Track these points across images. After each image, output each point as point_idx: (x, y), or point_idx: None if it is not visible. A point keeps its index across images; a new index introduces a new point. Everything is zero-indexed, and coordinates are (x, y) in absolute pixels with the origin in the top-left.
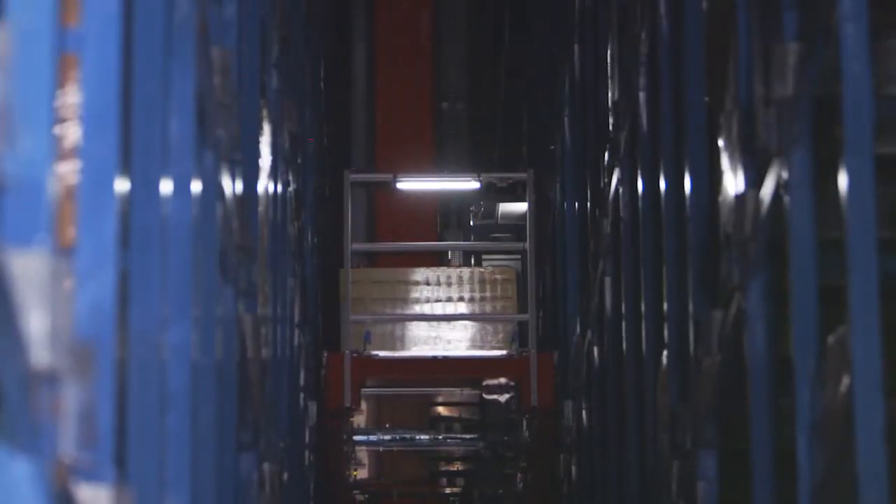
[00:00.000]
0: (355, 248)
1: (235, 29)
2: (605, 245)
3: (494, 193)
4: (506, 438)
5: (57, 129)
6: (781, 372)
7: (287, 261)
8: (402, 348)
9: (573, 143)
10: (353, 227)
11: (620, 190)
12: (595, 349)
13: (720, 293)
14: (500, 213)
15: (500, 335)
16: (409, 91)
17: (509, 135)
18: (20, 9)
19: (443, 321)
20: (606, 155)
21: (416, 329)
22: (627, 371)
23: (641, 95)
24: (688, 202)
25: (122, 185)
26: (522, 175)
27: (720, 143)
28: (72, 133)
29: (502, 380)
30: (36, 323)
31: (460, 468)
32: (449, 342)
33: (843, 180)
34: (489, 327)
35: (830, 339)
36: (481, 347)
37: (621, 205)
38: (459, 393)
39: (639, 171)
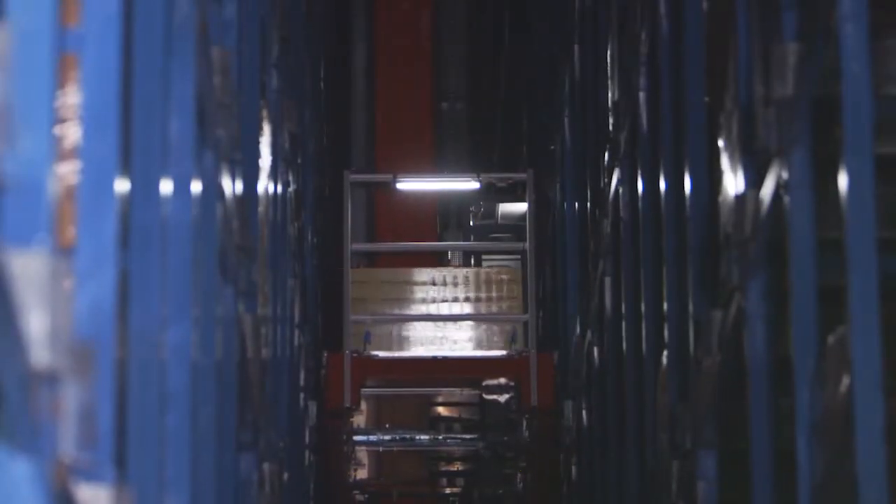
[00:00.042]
0: (355, 249)
1: (235, 29)
2: (605, 245)
3: (494, 193)
4: (506, 438)
5: (57, 129)
6: (781, 372)
7: (287, 261)
8: (409, 348)
9: (573, 144)
10: (353, 227)
11: (620, 190)
12: (595, 349)
13: (720, 293)
14: (499, 213)
15: (506, 335)
16: (409, 91)
17: (509, 135)
18: (20, 9)
19: (444, 321)
20: (606, 155)
21: (423, 329)
22: (627, 371)
23: (641, 95)
24: (688, 202)
25: (122, 185)
26: (522, 175)
27: (720, 143)
28: (72, 133)
29: (502, 380)
30: (36, 323)
31: (460, 468)
32: (455, 342)
33: (842, 180)
34: (495, 327)
35: (830, 339)
36: (487, 347)
37: (621, 205)
38: (459, 393)
39: (639, 172)
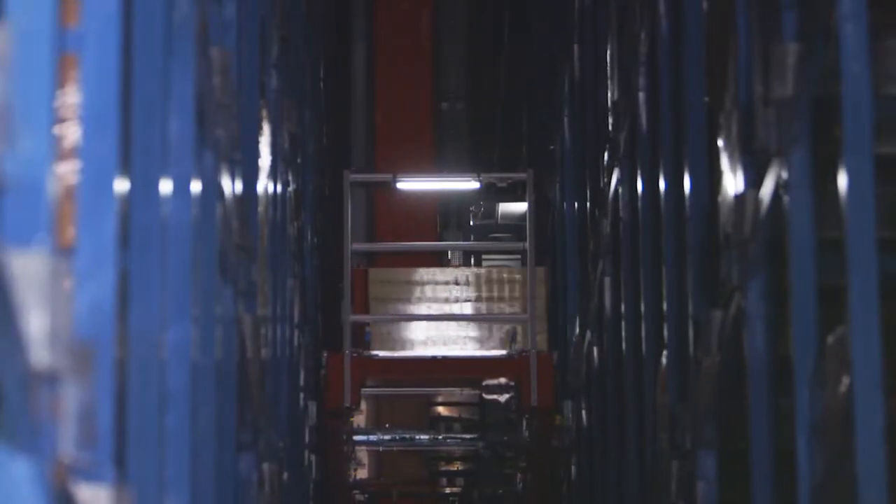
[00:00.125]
0: (355, 248)
1: (235, 29)
2: (605, 245)
3: (494, 193)
4: (505, 438)
5: (57, 129)
6: (781, 372)
7: (287, 261)
8: (428, 349)
9: (573, 144)
10: (353, 227)
11: (620, 190)
12: (595, 349)
13: (720, 293)
14: (499, 213)
15: (528, 336)
16: (409, 91)
17: (509, 135)
18: (20, 9)
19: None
20: (606, 155)
21: (446, 329)
22: (627, 371)
23: (641, 95)
24: (687, 202)
25: (121, 185)
26: (522, 175)
27: (720, 143)
28: (72, 133)
29: (502, 380)
30: (36, 323)
31: (460, 468)
32: (477, 341)
33: (842, 180)
34: (518, 327)
35: (830, 339)
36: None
37: (621, 205)
38: (459, 393)
39: (638, 172)
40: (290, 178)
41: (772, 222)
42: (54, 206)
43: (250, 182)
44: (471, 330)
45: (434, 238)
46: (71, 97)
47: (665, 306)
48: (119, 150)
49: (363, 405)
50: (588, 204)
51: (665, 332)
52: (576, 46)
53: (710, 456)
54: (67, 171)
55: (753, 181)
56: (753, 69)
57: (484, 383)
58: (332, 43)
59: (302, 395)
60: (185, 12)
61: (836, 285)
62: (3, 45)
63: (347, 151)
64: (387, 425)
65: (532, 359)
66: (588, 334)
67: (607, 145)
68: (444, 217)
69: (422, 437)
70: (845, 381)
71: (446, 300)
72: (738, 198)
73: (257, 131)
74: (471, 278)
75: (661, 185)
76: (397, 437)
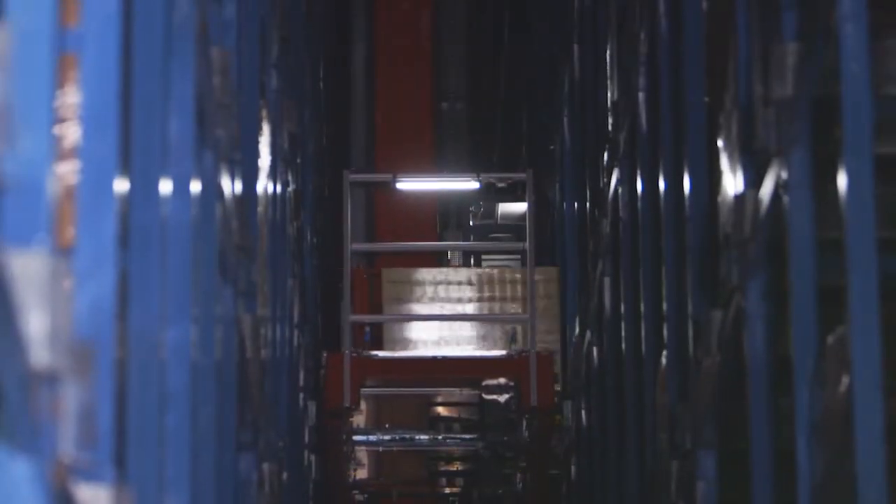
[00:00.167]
0: (355, 248)
1: (235, 29)
2: (605, 245)
3: (494, 193)
4: (505, 438)
5: (57, 129)
6: (781, 372)
7: (286, 261)
8: (441, 349)
9: (572, 144)
10: (353, 227)
11: (620, 190)
12: (594, 349)
13: (719, 293)
14: (499, 213)
15: (549, 335)
16: (409, 91)
17: (509, 135)
18: (20, 9)
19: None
20: (606, 155)
21: (460, 330)
22: (627, 371)
23: (641, 95)
24: (687, 202)
25: (121, 185)
26: (522, 175)
27: (719, 143)
28: (71, 133)
29: (502, 380)
30: (36, 323)
31: (460, 468)
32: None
33: (842, 180)
34: (541, 326)
35: (830, 339)
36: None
37: (620, 205)
38: (459, 393)
39: (638, 172)
40: (290, 178)
41: (772, 222)
42: (54, 206)
43: (250, 182)
44: (482, 330)
45: (434, 238)
46: (71, 97)
47: (665, 306)
48: (119, 150)
49: (363, 405)
50: (588, 204)
51: (665, 332)
52: (576, 46)
53: (709, 456)
54: (67, 171)
55: (753, 181)
56: (753, 69)
57: (484, 383)
58: (332, 43)
59: (301, 395)
60: (185, 12)
61: (836, 285)
62: (3, 45)
63: (347, 151)
64: (386, 425)
65: (532, 359)
66: (588, 334)
67: (607, 145)
68: (444, 217)
69: (421, 437)
70: (845, 381)
71: (459, 300)
72: (738, 198)
73: (257, 131)
74: (484, 279)
75: (661, 185)
76: (397, 438)
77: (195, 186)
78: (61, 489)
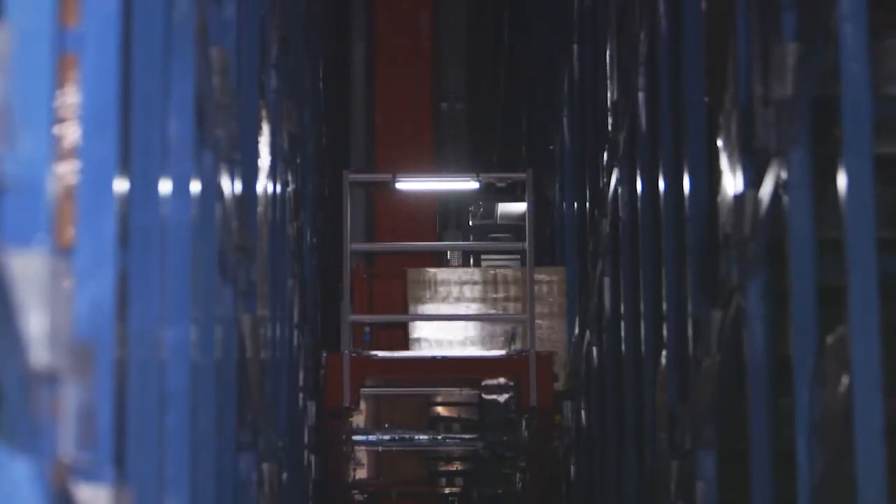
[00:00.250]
0: (355, 248)
1: (235, 29)
2: (604, 245)
3: (493, 193)
4: (505, 438)
5: (57, 129)
6: (781, 372)
7: (286, 261)
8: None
9: (572, 144)
10: (353, 227)
11: (619, 190)
12: (594, 349)
13: (719, 293)
14: (499, 213)
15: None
16: (409, 91)
17: (509, 135)
18: (20, 9)
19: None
20: (605, 155)
21: (482, 330)
22: (626, 371)
23: (640, 95)
24: (687, 202)
25: (121, 185)
26: (521, 175)
27: (719, 143)
28: (71, 133)
29: (501, 380)
30: (36, 323)
31: (459, 468)
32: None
33: (842, 180)
34: (555, 325)
35: (830, 339)
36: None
37: (620, 205)
38: (458, 393)
39: (638, 172)
40: (290, 178)
41: (771, 222)
42: (54, 206)
43: (250, 182)
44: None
45: (433, 238)
46: (71, 97)
47: (664, 306)
48: (119, 150)
49: (362, 405)
50: (588, 204)
51: (665, 332)
52: (576, 46)
53: (709, 456)
54: (67, 171)
55: (753, 181)
56: (753, 69)
57: (483, 383)
58: (331, 43)
59: (301, 395)
60: (184, 12)
61: (836, 285)
62: (3, 45)
63: (347, 151)
64: (386, 425)
65: (531, 359)
66: (588, 334)
67: (607, 145)
68: (444, 217)
69: (421, 437)
70: (845, 381)
71: (483, 300)
72: (738, 198)
73: (257, 131)
74: (509, 278)
75: (661, 185)
76: (397, 437)
77: (195, 186)
78: (61, 489)
